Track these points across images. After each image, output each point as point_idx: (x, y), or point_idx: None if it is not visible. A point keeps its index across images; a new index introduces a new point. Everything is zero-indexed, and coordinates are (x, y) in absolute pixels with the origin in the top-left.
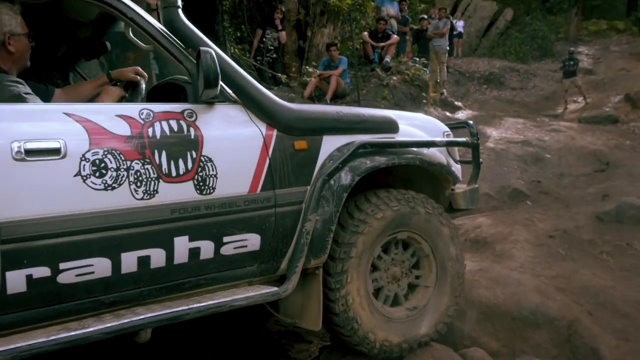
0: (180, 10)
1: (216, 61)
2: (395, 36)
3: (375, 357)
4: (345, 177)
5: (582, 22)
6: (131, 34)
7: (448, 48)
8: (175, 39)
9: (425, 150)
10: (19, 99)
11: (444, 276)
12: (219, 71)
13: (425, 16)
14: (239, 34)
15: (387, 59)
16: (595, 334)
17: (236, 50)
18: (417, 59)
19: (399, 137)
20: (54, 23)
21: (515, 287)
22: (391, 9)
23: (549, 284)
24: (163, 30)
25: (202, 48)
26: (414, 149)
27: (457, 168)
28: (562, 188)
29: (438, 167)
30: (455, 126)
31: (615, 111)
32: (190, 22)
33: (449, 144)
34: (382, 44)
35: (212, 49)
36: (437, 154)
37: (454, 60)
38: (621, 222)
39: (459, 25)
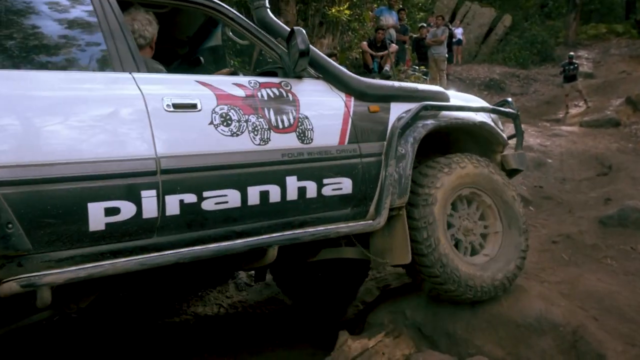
0: (268, 9)
1: (306, 36)
2: (394, 45)
3: (462, 295)
4: (415, 131)
5: (581, 26)
6: (231, 33)
7: (447, 55)
8: (264, 32)
9: (477, 116)
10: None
11: (508, 219)
12: (309, 42)
13: (424, 24)
14: (238, 46)
15: (387, 67)
16: (601, 340)
17: (236, 62)
18: (417, 67)
19: (449, 104)
20: (162, 39)
21: (519, 294)
22: (390, 19)
23: (553, 289)
24: (256, 27)
25: (295, 27)
26: (468, 113)
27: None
28: (565, 193)
29: (491, 129)
30: (498, 104)
31: (616, 114)
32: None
33: (494, 111)
34: (381, 53)
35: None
36: (489, 120)
37: (454, 68)
38: (624, 225)
39: (458, 32)
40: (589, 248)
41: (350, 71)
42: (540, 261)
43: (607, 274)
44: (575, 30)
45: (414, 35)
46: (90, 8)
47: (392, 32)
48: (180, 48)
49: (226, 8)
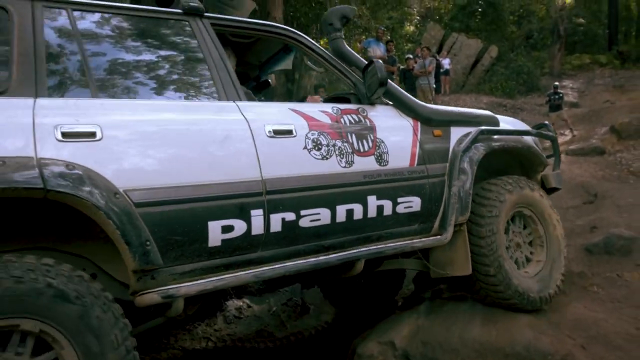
0: (343, 40)
1: (384, 67)
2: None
3: (518, 305)
4: (476, 153)
5: (565, 56)
6: (308, 61)
7: (434, 86)
8: (340, 61)
9: (525, 140)
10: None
11: (551, 237)
12: (386, 74)
13: (411, 56)
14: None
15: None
16: None
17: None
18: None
19: (500, 128)
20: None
21: (508, 323)
22: (377, 50)
23: (541, 318)
24: (332, 56)
25: (374, 60)
26: (516, 136)
27: None
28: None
29: (536, 152)
30: (536, 127)
31: (601, 143)
32: None
33: (538, 135)
34: None
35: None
36: (532, 142)
37: (442, 97)
38: (610, 253)
39: (445, 63)
40: (576, 276)
41: None
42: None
43: (594, 301)
44: (560, 61)
45: (402, 67)
46: (196, 42)
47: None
48: (251, 71)
49: (308, 39)
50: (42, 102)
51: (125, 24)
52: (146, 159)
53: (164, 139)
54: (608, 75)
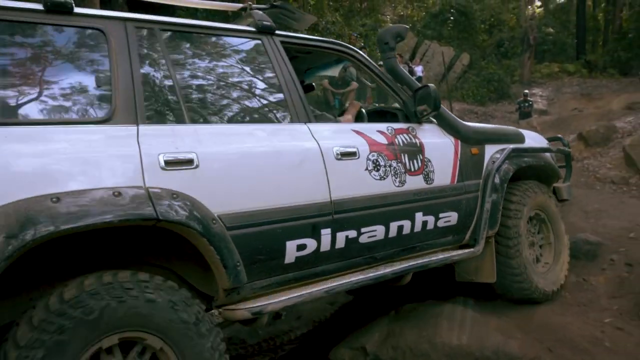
0: (396, 60)
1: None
2: (355, 83)
3: (538, 299)
4: (507, 171)
5: (535, 65)
6: (361, 77)
7: None
8: (392, 78)
9: (547, 157)
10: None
11: (558, 233)
12: (440, 99)
13: (382, 63)
14: None
15: (347, 105)
16: None
17: None
18: (377, 105)
19: (526, 145)
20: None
21: (478, 327)
22: None
23: (510, 322)
24: (385, 74)
25: (429, 85)
26: (540, 154)
27: None
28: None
29: (554, 168)
30: (550, 139)
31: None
32: None
33: (558, 151)
34: (342, 90)
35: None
36: (549, 157)
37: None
38: (577, 257)
39: (418, 70)
40: None
41: (313, 108)
42: (498, 294)
43: (560, 305)
44: (530, 69)
45: None
46: (269, 61)
47: (353, 70)
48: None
49: (364, 57)
50: (144, 129)
51: (205, 43)
52: (234, 184)
53: (249, 165)
54: (576, 83)
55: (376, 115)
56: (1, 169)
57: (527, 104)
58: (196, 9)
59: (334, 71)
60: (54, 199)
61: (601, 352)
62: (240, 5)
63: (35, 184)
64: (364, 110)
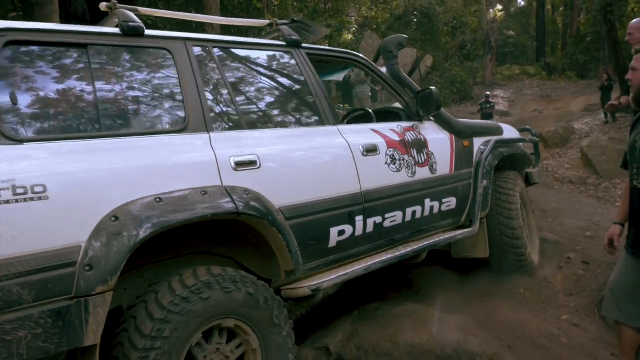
0: (398, 65)
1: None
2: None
3: (528, 270)
4: (493, 160)
5: (496, 67)
6: (369, 81)
7: (370, 94)
8: (396, 82)
9: (520, 145)
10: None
11: (529, 214)
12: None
13: None
14: None
15: None
16: None
17: None
18: (342, 105)
19: (505, 137)
20: None
21: (439, 326)
22: None
23: (471, 320)
24: (390, 78)
25: (432, 87)
26: (517, 144)
27: None
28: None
29: (527, 155)
30: (521, 130)
31: (529, 150)
32: None
33: (531, 141)
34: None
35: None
36: (523, 147)
37: (378, 106)
38: None
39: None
40: (504, 279)
41: None
42: (459, 293)
43: (520, 303)
44: (492, 71)
45: None
46: (299, 71)
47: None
48: None
49: (373, 64)
50: (214, 136)
51: (246, 57)
52: (289, 180)
53: (298, 163)
54: (536, 85)
55: (380, 115)
56: (116, 174)
57: (489, 106)
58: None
59: (339, 76)
60: (157, 200)
61: (558, 348)
62: (267, 21)
63: (140, 187)
64: (371, 112)
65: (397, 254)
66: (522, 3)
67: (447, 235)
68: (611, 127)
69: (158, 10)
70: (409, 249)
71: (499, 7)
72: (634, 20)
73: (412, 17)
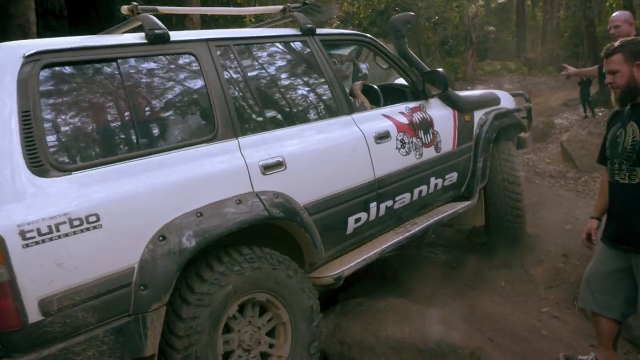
0: (406, 44)
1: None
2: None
3: (521, 237)
4: (492, 133)
5: (477, 63)
6: (376, 61)
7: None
8: (403, 61)
9: (518, 116)
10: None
11: None
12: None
13: None
14: None
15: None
16: (495, 359)
17: None
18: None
19: (502, 107)
20: None
21: (421, 320)
22: None
23: (453, 314)
24: (398, 57)
25: (438, 69)
26: (513, 114)
27: None
28: (462, 219)
29: (521, 122)
30: (514, 94)
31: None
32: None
33: (525, 108)
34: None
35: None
36: (517, 115)
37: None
38: (515, 249)
39: (363, 67)
40: (485, 272)
41: None
42: (441, 287)
43: (501, 296)
44: (473, 67)
45: None
46: (314, 60)
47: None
48: None
49: (381, 44)
50: (243, 141)
51: (264, 50)
52: (311, 177)
53: (319, 159)
54: (517, 80)
55: (387, 92)
56: (159, 194)
57: None
58: None
59: (344, 51)
60: (198, 214)
61: (538, 340)
62: (280, 7)
63: (181, 203)
64: (378, 90)
65: (407, 234)
66: None
67: (450, 211)
68: (590, 122)
69: (177, 7)
70: (417, 228)
71: (481, 2)
72: (617, 13)
73: (394, 13)
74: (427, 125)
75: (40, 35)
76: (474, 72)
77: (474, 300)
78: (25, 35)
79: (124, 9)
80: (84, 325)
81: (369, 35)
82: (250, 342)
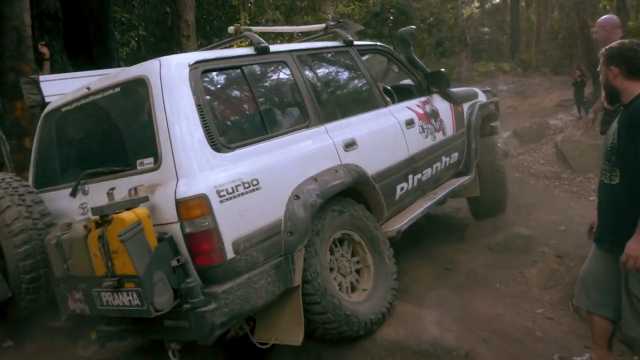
0: (412, 49)
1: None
2: None
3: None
4: (478, 120)
5: (472, 64)
6: (389, 65)
7: None
8: (411, 65)
9: (491, 106)
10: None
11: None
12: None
13: None
14: None
15: None
16: None
17: None
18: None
19: (481, 99)
20: None
21: (416, 322)
22: None
23: (447, 315)
24: (406, 62)
25: (441, 70)
26: (489, 106)
27: None
28: (458, 220)
29: (496, 113)
30: (484, 91)
31: (505, 146)
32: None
33: (494, 102)
34: None
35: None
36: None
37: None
38: (510, 250)
39: None
40: (479, 273)
41: None
42: (435, 288)
43: (495, 297)
44: (467, 68)
45: None
46: (356, 66)
47: None
48: None
49: (395, 52)
50: (328, 126)
51: (323, 59)
52: (375, 154)
53: (378, 140)
54: (511, 81)
55: (397, 91)
56: (289, 165)
57: None
58: None
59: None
60: (315, 179)
61: (532, 341)
62: (324, 25)
63: (302, 172)
64: (391, 90)
65: (434, 200)
66: (497, 0)
67: (457, 183)
68: (584, 123)
69: (266, 27)
70: (439, 196)
71: (477, 3)
72: (601, 18)
73: (389, 14)
74: (435, 114)
75: (35, 37)
76: (469, 73)
77: (468, 301)
78: (20, 37)
79: (231, 29)
80: (257, 262)
81: (385, 45)
82: (345, 270)
